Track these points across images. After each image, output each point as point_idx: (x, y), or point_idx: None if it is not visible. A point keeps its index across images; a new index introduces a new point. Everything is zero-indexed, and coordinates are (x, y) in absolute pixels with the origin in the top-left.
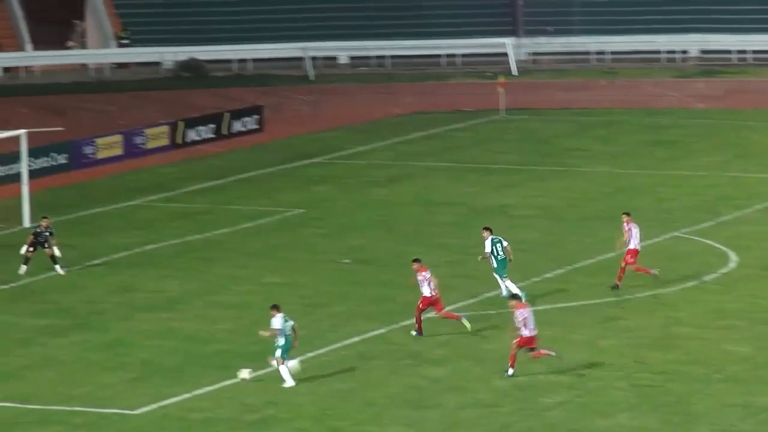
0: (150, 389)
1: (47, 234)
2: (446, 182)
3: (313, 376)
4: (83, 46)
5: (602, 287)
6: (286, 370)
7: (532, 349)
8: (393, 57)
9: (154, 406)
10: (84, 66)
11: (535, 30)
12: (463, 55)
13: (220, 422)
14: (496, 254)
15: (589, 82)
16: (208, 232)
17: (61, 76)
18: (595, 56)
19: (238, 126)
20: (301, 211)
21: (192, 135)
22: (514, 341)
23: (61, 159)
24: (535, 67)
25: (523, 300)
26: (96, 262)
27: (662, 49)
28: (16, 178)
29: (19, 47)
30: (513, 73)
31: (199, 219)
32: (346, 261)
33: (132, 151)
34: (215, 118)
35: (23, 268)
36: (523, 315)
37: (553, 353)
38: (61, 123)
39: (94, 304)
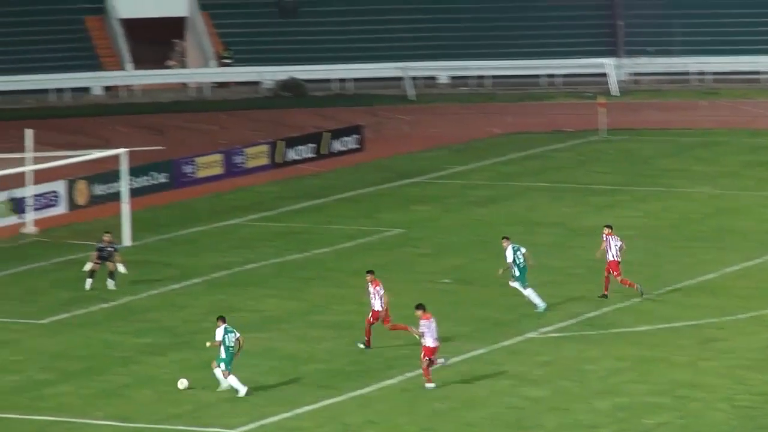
0: (250, 408)
1: (110, 249)
2: (546, 203)
3: (414, 396)
4: (183, 65)
5: (703, 308)
6: (235, 380)
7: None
8: (493, 77)
9: (253, 425)
10: (184, 85)
11: (635, 50)
12: (564, 75)
13: None
14: (517, 262)
15: (689, 103)
16: (307, 251)
17: (161, 95)
18: (696, 77)
19: (337, 145)
20: (401, 230)
21: (292, 154)
22: (421, 354)
23: (162, 178)
24: (636, 88)
25: (540, 309)
26: (196, 281)
27: (763, 69)
28: (117, 196)
29: (120, 66)
30: (613, 94)
31: (299, 238)
32: (447, 281)
33: (232, 170)
34: (315, 138)
35: (88, 282)
36: (424, 326)
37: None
38: (161, 142)
39: (193, 323)
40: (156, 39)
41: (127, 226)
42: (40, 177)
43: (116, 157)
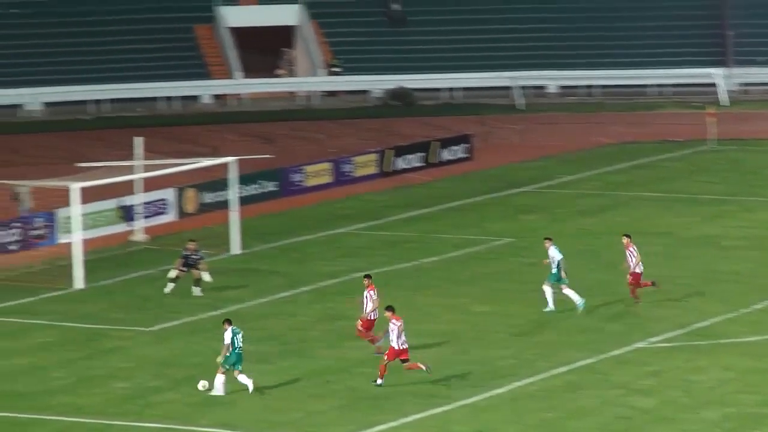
0: (357, 417)
1: (195, 257)
2: (655, 212)
3: (522, 405)
4: (292, 74)
5: None
6: (222, 381)
7: (404, 361)
8: (602, 86)
9: None
10: (292, 94)
11: (745, 60)
12: (672, 85)
13: None
14: (559, 263)
15: None
16: (416, 260)
17: (269, 103)
18: None
19: (446, 155)
20: (509, 240)
21: (400, 163)
22: (384, 354)
23: (270, 186)
24: (746, 98)
25: (580, 307)
26: (304, 289)
27: None
28: (225, 204)
29: (229, 75)
30: (722, 104)
31: (407, 247)
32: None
33: (340, 178)
34: (424, 147)
35: (170, 286)
36: (394, 326)
37: (424, 368)
38: (270, 150)
39: (301, 332)
40: (265, 48)
41: (235, 234)
42: (150, 185)
43: (225, 166)
